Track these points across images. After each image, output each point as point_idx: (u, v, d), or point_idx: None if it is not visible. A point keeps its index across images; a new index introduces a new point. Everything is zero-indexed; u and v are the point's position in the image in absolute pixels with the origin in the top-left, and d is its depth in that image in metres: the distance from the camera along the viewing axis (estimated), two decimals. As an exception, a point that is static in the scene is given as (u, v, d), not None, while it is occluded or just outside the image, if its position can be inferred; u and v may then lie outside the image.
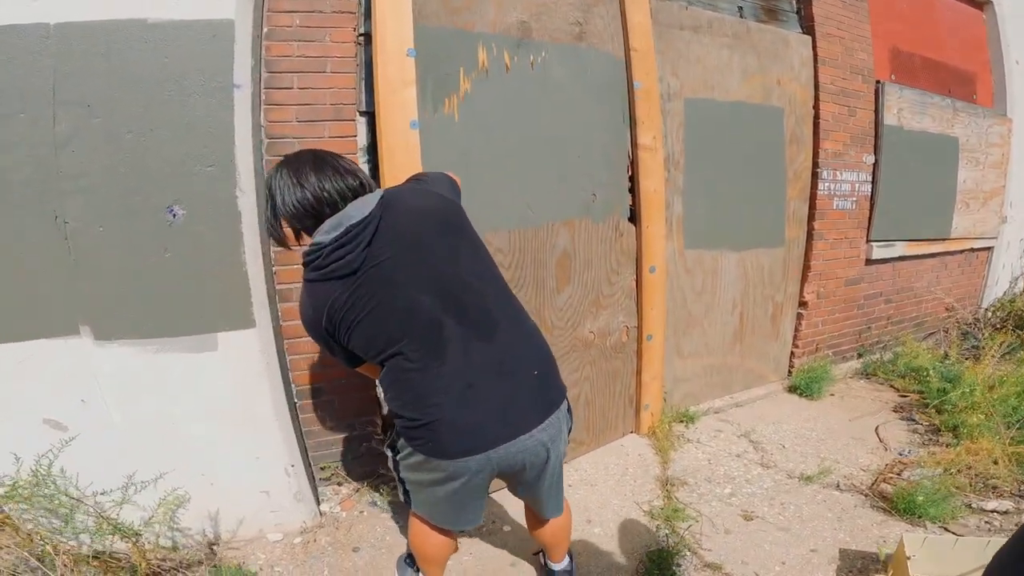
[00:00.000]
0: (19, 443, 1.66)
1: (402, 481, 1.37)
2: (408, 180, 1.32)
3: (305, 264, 1.16)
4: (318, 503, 2.00)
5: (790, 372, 3.15)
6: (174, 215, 1.58)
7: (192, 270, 1.63)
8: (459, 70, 1.82)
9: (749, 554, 1.83)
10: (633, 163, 2.24)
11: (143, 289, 1.62)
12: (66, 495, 1.61)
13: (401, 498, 1.42)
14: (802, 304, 3.07)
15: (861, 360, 3.41)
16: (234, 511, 1.82)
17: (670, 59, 2.35)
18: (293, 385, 1.94)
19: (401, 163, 1.65)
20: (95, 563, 1.53)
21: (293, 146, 1.77)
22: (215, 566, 1.69)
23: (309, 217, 1.14)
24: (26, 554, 1.43)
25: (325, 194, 1.12)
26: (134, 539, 1.61)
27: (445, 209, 1.21)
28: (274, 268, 1.82)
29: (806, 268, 3.01)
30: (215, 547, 1.79)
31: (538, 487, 1.32)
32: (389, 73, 1.69)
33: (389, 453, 1.39)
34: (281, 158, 1.21)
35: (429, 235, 1.15)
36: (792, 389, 3.08)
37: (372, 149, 1.90)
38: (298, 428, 1.97)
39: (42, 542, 1.49)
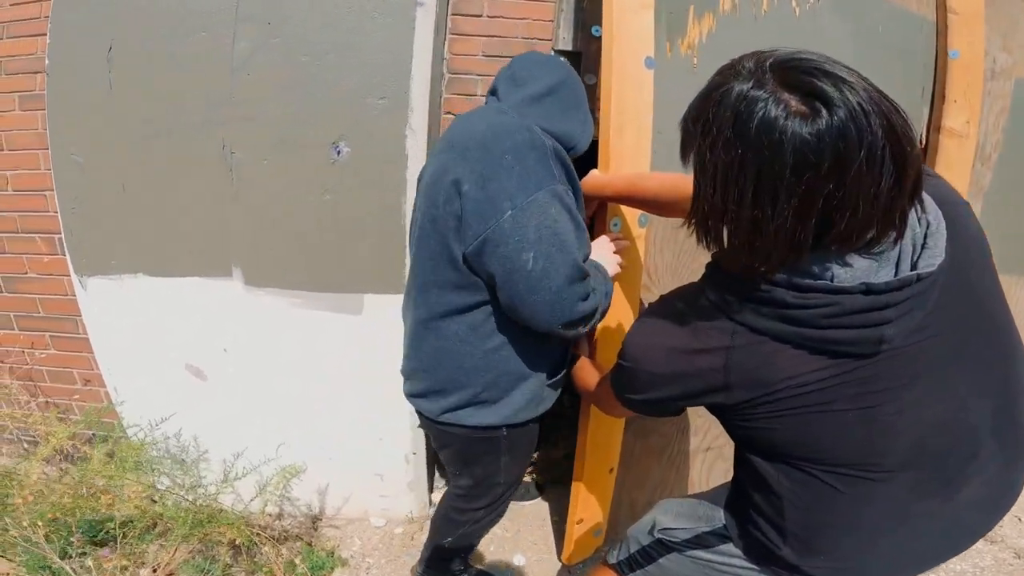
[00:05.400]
0: (161, 386, 1.61)
1: None
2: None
3: (754, 300, 0.61)
4: (431, 490, 1.84)
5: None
6: (339, 152, 1.37)
7: (348, 218, 1.42)
8: (701, 4, 1.40)
9: None
10: (925, 150, 1.67)
11: (297, 233, 1.44)
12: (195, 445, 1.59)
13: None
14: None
15: None
16: (343, 489, 1.71)
17: (1000, 29, 1.73)
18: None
19: (630, 115, 1.17)
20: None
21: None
22: (309, 544, 1.62)
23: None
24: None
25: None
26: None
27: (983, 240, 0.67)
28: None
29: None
30: (318, 522, 1.72)
31: None
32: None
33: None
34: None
35: (989, 295, 0.65)
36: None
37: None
38: None
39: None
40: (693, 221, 0.62)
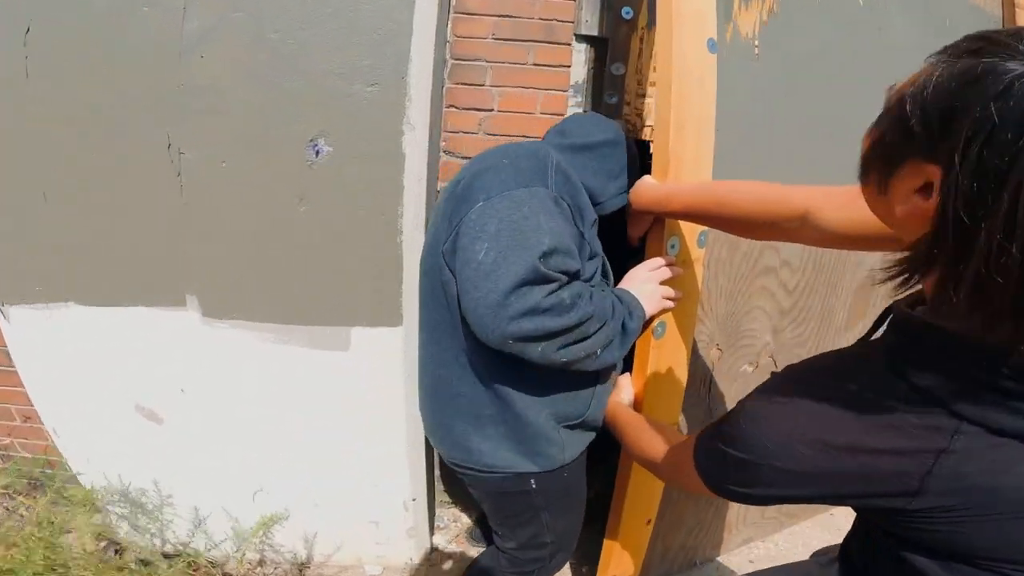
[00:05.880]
0: (106, 428, 1.39)
1: None
2: None
3: (1004, 390, 0.40)
4: (432, 533, 1.67)
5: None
6: (317, 152, 1.10)
7: (330, 234, 1.15)
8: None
9: None
10: None
11: (265, 254, 1.16)
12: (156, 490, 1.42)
13: None
14: None
15: None
16: (333, 535, 1.53)
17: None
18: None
19: (691, 108, 0.91)
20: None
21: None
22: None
23: None
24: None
25: None
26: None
27: None
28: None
29: None
30: (305, 569, 1.57)
31: None
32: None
33: None
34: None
35: None
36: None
37: (595, 90, 1.33)
38: (431, 457, 1.52)
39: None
40: (922, 263, 0.38)
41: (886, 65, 1.27)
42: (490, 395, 0.88)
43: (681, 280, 0.94)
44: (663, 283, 0.91)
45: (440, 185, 1.30)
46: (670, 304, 0.93)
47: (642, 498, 1.16)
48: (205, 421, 1.35)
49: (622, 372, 1.05)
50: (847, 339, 1.41)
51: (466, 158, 1.30)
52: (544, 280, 0.72)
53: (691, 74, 0.92)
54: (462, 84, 1.25)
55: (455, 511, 1.75)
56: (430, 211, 1.22)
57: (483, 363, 0.86)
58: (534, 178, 0.78)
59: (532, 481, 0.93)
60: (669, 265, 0.91)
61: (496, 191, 0.76)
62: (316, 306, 1.20)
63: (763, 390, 0.54)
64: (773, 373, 0.57)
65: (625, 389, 1.01)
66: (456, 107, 1.27)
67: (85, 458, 1.42)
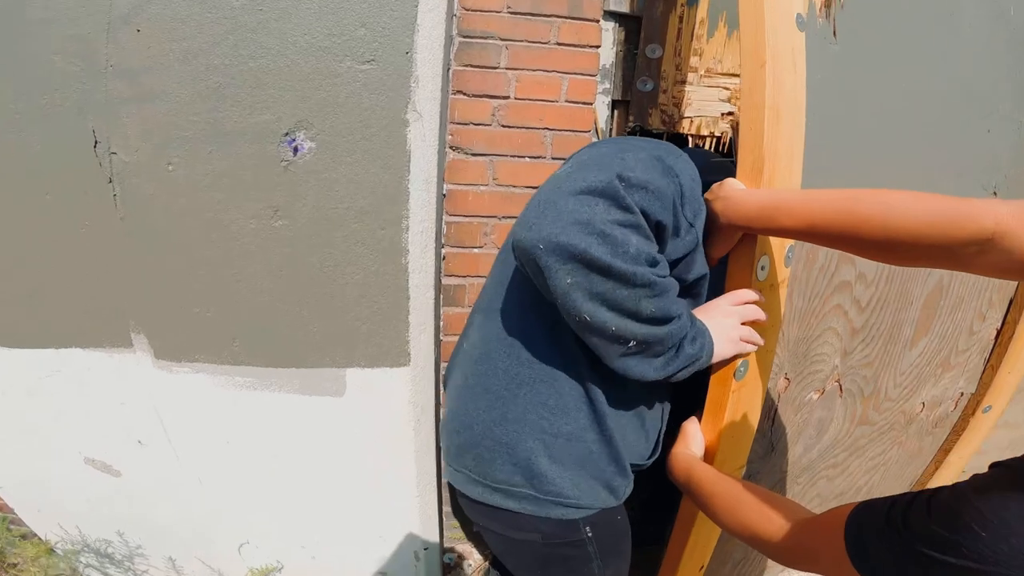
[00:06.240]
0: (54, 482, 1.20)
1: None
2: None
3: None
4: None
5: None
6: (295, 149, 0.85)
7: (316, 256, 0.92)
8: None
9: None
10: None
11: (234, 283, 0.92)
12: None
13: None
14: None
15: None
16: None
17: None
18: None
19: (787, 95, 0.73)
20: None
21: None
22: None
23: None
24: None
25: None
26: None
27: None
28: (444, 251, 1.07)
29: None
30: None
31: None
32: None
33: None
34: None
35: None
36: None
37: (625, 76, 1.13)
38: (440, 501, 1.32)
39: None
40: None
41: (952, 61, 1.12)
42: (574, 409, 0.72)
43: (765, 310, 0.75)
44: (746, 323, 0.72)
45: (447, 188, 1.07)
46: (749, 349, 0.74)
47: (699, 547, 0.99)
48: (176, 473, 1.14)
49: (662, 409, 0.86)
50: (911, 358, 1.26)
51: (478, 155, 1.08)
52: (617, 201, 0.56)
53: (785, 53, 0.72)
54: (472, 66, 1.02)
55: (467, 545, 1.56)
56: (441, 223, 0.99)
57: (580, 365, 0.71)
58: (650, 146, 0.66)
59: (588, 529, 0.78)
60: (757, 302, 0.72)
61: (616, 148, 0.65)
62: (301, 346, 0.96)
63: (988, 488, 0.45)
64: (993, 466, 0.48)
65: (694, 439, 0.82)
66: (465, 94, 1.04)
67: (36, 509, 1.25)
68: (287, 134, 0.83)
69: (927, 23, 1.08)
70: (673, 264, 0.67)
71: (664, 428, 0.83)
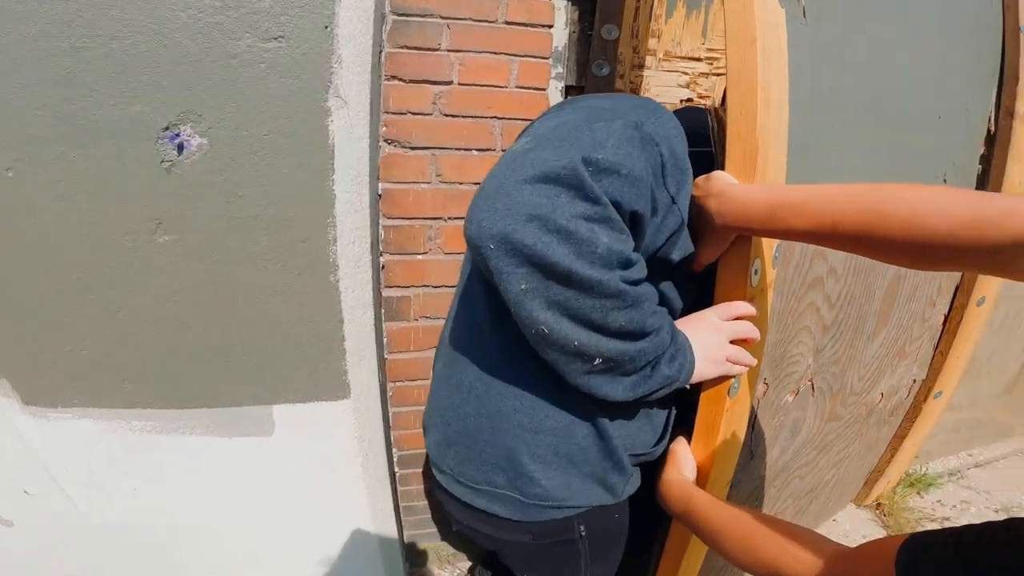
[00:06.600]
0: None
1: None
2: None
3: None
4: None
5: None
6: (179, 146, 0.67)
7: (217, 276, 0.74)
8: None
9: None
10: (992, 138, 1.35)
11: (109, 313, 0.73)
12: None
13: None
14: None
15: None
16: None
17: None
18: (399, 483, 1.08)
19: (774, 78, 0.64)
20: None
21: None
22: None
23: None
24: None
25: None
26: None
27: None
28: (383, 259, 0.92)
29: None
30: None
31: None
32: None
33: None
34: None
35: None
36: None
37: (579, 59, 1.02)
38: (402, 538, 1.20)
39: None
40: None
41: (903, 51, 1.10)
42: (558, 400, 0.64)
43: (756, 321, 0.66)
44: (735, 341, 0.64)
45: (383, 188, 0.92)
46: (736, 371, 0.66)
47: (692, 565, 0.92)
48: (76, 523, 0.93)
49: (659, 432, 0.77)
50: (873, 350, 1.24)
51: (418, 148, 0.93)
52: (581, 191, 0.47)
53: (771, 30, 0.63)
54: (408, 48, 0.88)
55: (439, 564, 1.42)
56: (378, 228, 0.84)
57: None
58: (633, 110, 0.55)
59: (582, 528, 0.72)
60: (751, 317, 0.64)
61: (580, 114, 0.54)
62: (209, 382, 0.79)
63: None
64: None
65: (686, 461, 0.73)
66: (401, 79, 0.89)
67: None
68: (167, 128, 0.65)
69: (882, 8, 1.05)
70: (655, 251, 0.57)
71: (674, 411, 0.73)
